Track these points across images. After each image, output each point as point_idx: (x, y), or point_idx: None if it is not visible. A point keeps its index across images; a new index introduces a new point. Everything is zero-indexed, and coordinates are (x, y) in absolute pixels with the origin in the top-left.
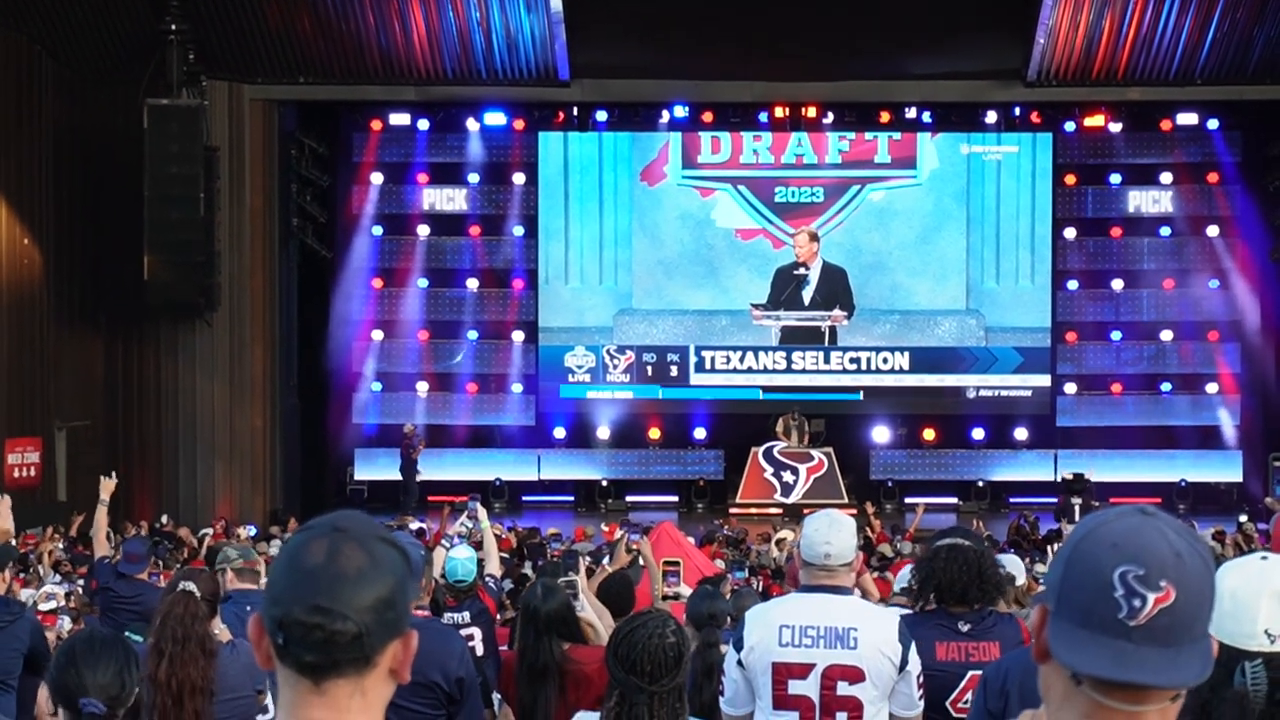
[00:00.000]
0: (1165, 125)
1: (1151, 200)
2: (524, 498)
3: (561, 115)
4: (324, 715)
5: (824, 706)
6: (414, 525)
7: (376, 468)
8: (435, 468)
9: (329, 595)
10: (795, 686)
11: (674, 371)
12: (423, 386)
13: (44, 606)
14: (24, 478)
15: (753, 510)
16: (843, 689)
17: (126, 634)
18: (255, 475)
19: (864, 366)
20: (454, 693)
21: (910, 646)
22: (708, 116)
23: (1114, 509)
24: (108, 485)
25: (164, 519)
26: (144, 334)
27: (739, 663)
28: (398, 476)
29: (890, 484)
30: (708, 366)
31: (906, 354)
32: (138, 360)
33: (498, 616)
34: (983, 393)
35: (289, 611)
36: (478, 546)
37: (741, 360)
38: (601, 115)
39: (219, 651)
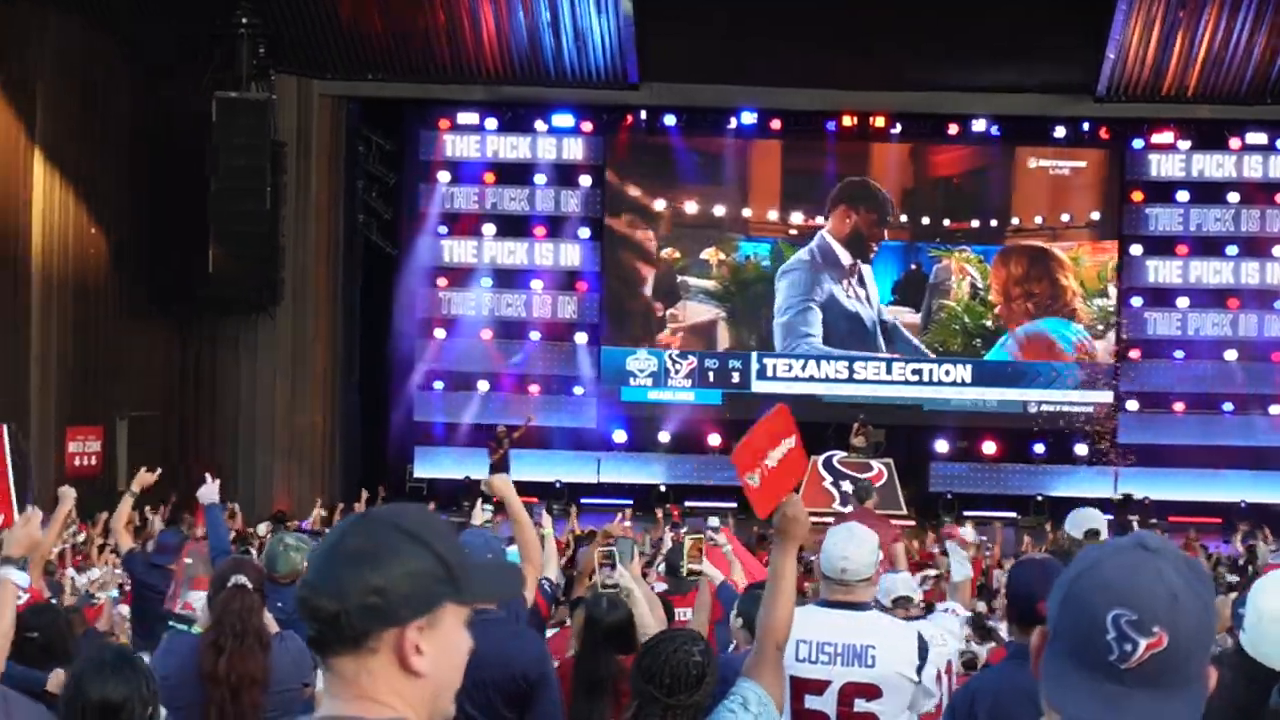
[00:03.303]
0: (1234, 144)
1: (1216, 219)
2: (582, 500)
3: (630, 118)
4: (335, 690)
5: None
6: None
7: (436, 466)
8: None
9: (319, 573)
10: (812, 702)
11: (735, 378)
12: (483, 386)
13: (100, 595)
14: (85, 466)
15: (810, 518)
16: (860, 705)
17: (170, 625)
18: (314, 471)
19: (925, 378)
20: (525, 693)
21: (928, 658)
22: (776, 124)
23: (1114, 542)
24: (143, 478)
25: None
26: (207, 326)
27: None
28: (457, 475)
29: (949, 496)
30: (769, 374)
31: (968, 366)
32: (200, 352)
33: (549, 619)
34: (1044, 408)
35: (300, 586)
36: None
37: (803, 368)
38: (670, 119)
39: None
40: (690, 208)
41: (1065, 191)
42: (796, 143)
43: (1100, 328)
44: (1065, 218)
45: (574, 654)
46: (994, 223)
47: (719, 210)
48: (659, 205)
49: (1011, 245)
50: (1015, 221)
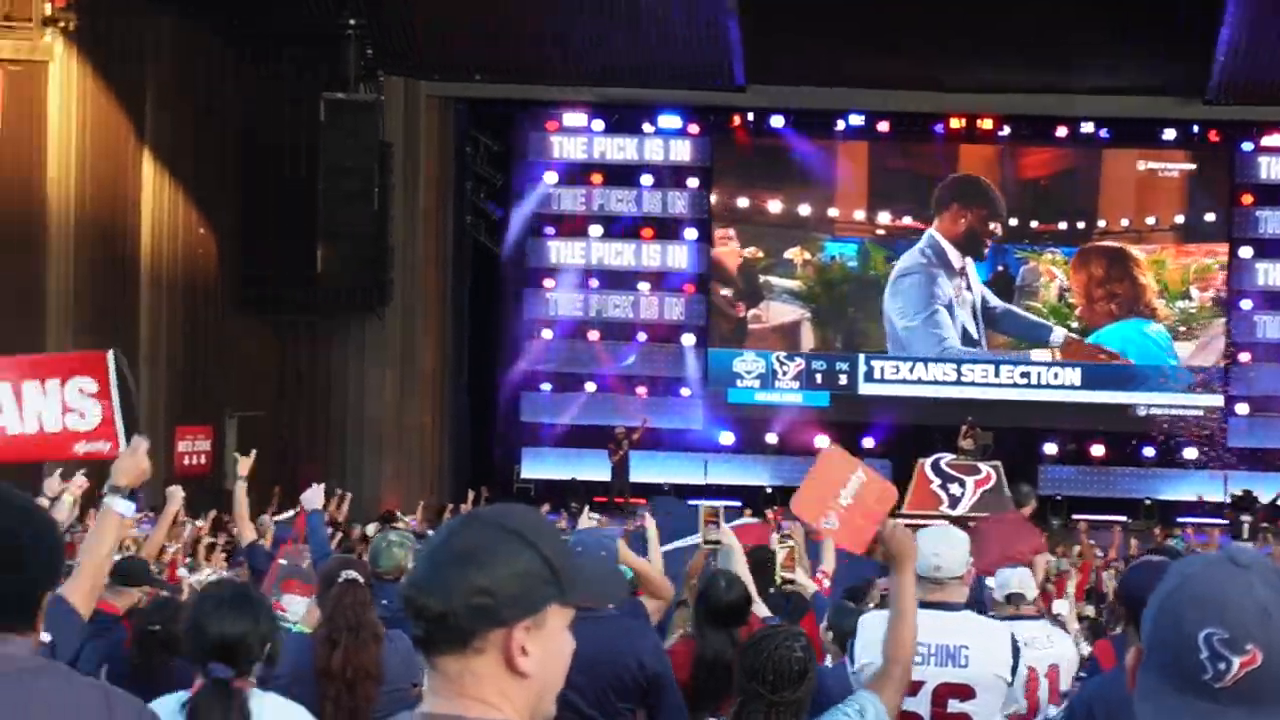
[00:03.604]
0: None
1: None
2: (690, 502)
3: (737, 120)
4: (442, 690)
5: None
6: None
7: (544, 466)
8: (602, 469)
9: (426, 573)
10: (906, 703)
11: (843, 380)
12: (590, 387)
13: None
14: (194, 465)
15: (919, 521)
16: (953, 706)
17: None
18: (422, 471)
19: (1034, 381)
20: (642, 688)
21: (1020, 658)
22: (883, 126)
23: (1204, 557)
24: (245, 462)
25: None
26: (316, 326)
27: (854, 673)
28: (565, 476)
29: (1058, 499)
30: (876, 376)
31: (1078, 370)
32: (309, 352)
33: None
34: (1154, 411)
35: (405, 585)
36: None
37: (910, 370)
38: (777, 121)
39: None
40: (774, 206)
41: (1153, 194)
42: (883, 143)
43: (1182, 329)
44: (1151, 220)
45: (690, 634)
46: (1081, 225)
47: (804, 209)
48: (756, 204)
49: (1090, 247)
50: (1102, 224)
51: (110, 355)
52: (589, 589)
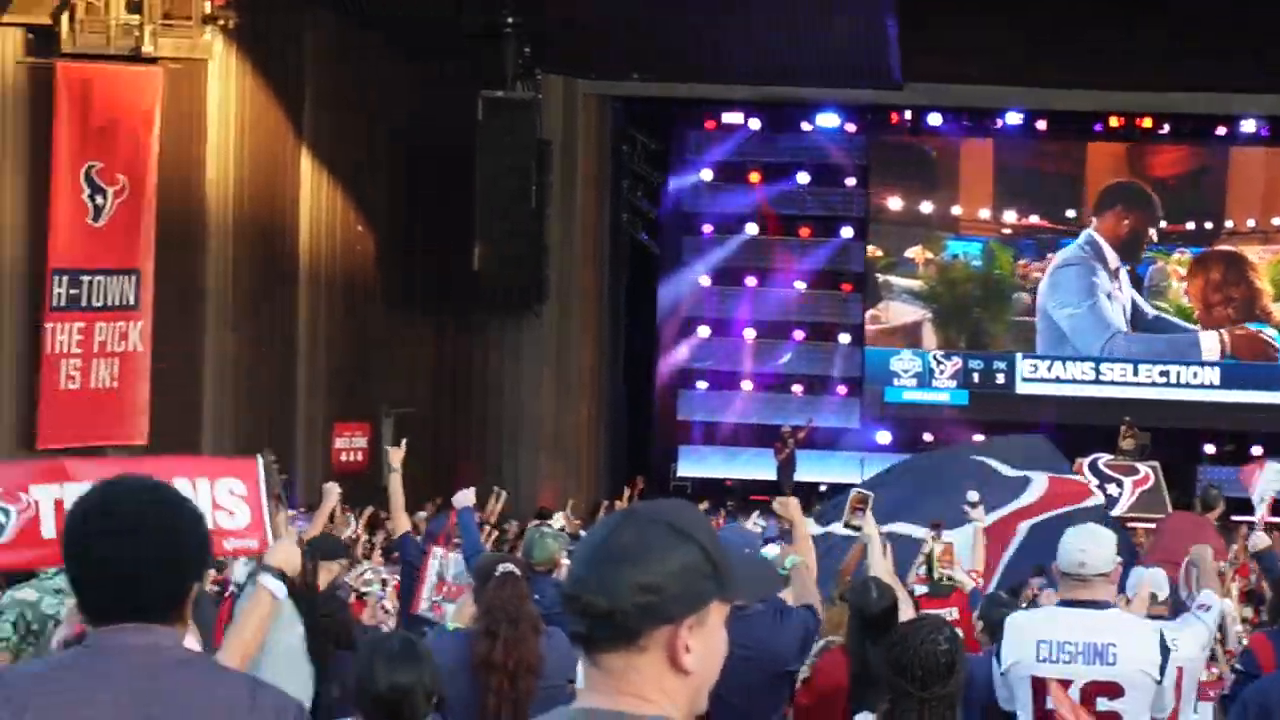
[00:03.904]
0: None
1: None
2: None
3: (895, 118)
4: (602, 687)
5: None
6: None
7: (700, 464)
8: (759, 468)
9: (590, 570)
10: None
11: (1000, 379)
12: (747, 385)
13: (367, 590)
14: (350, 462)
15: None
16: (1102, 704)
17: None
18: (579, 468)
19: (1173, 380)
20: (787, 686)
21: (1169, 657)
22: (1041, 124)
23: None
24: (396, 453)
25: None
26: (473, 324)
27: (1002, 674)
28: (721, 474)
29: None
30: (1032, 375)
31: (1216, 370)
32: (466, 349)
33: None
34: None
35: (564, 584)
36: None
37: (1065, 369)
38: (934, 119)
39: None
40: (893, 204)
41: None
42: (1009, 141)
43: None
44: (1277, 221)
45: (842, 644)
46: (1208, 225)
47: (925, 208)
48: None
49: (1207, 252)
50: (1229, 224)
51: (259, 460)
52: (746, 585)
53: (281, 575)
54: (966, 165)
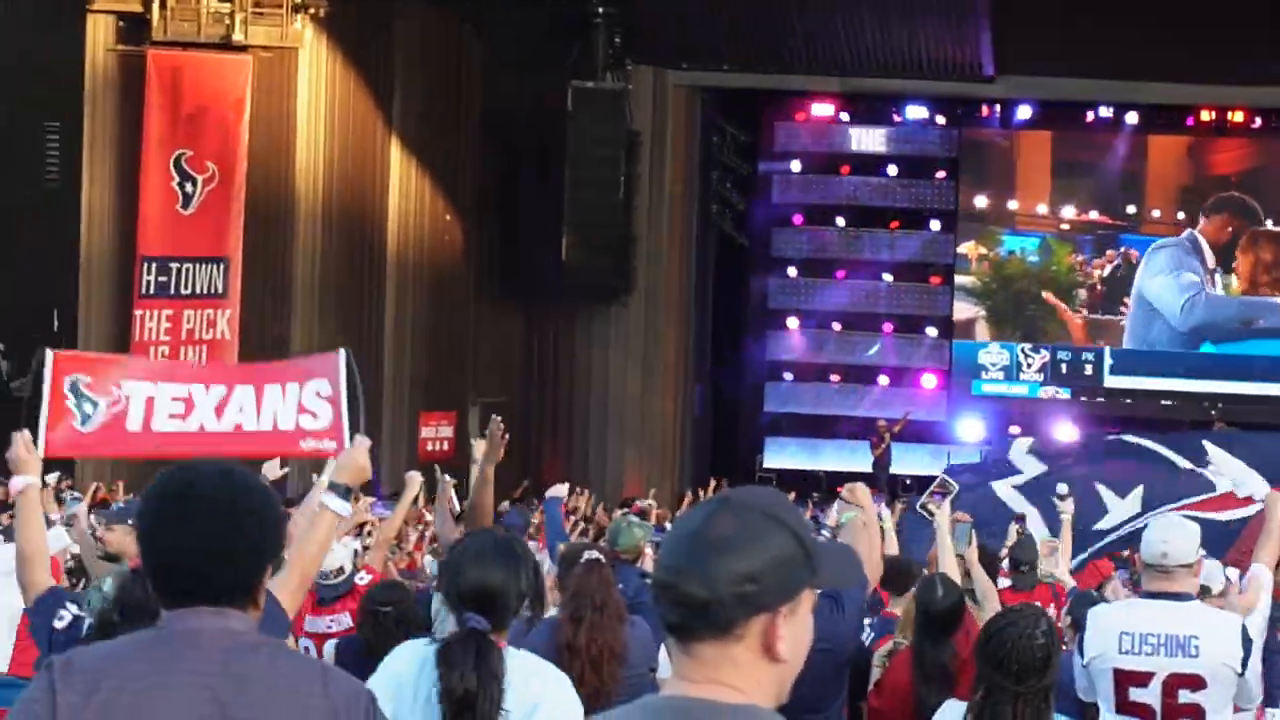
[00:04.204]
0: None
1: None
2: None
3: (986, 111)
4: (694, 675)
5: (1165, 713)
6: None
7: (786, 456)
8: (845, 459)
9: (686, 559)
10: (1136, 694)
11: (1088, 371)
12: (834, 377)
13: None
14: (437, 451)
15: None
16: (1184, 696)
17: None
18: (665, 459)
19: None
20: (842, 673)
21: (1252, 650)
22: (1132, 118)
23: None
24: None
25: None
26: (560, 314)
27: (1084, 666)
28: (807, 466)
29: None
30: (1121, 369)
31: None
32: (553, 339)
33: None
34: None
35: (657, 572)
36: None
37: (1155, 364)
38: (1024, 112)
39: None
40: (979, 200)
41: None
42: (1065, 133)
43: None
44: None
45: (909, 643)
46: (1270, 223)
47: (980, 202)
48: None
49: (1259, 230)
50: None
51: (341, 354)
52: (835, 573)
53: (348, 492)
54: (1024, 159)
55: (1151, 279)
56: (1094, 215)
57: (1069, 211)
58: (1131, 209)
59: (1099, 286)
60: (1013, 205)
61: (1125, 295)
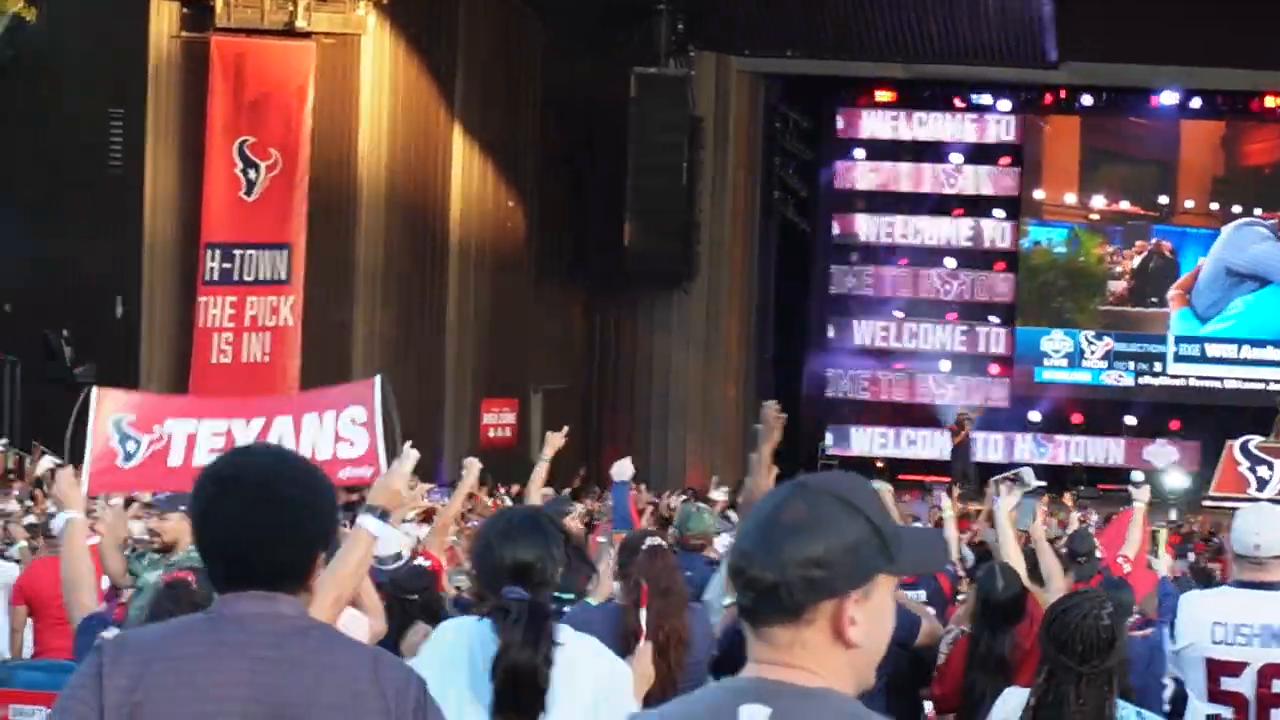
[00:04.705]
0: None
1: None
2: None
3: (1049, 98)
4: (766, 657)
5: (1260, 703)
6: None
7: (849, 443)
8: (908, 446)
9: (757, 543)
10: (1228, 683)
11: (1152, 359)
12: (897, 364)
13: None
14: (499, 438)
15: (1226, 505)
16: (1279, 686)
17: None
18: (726, 445)
19: None
20: (896, 662)
21: None
22: (1195, 103)
23: None
24: (553, 441)
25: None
26: (622, 300)
27: (1175, 653)
28: (870, 452)
29: None
30: (1185, 356)
31: None
32: (615, 325)
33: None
34: None
35: (731, 556)
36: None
37: (1219, 351)
38: (1087, 99)
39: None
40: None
41: None
42: (1098, 120)
43: None
44: None
45: (969, 632)
46: None
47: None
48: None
49: None
50: None
51: (376, 381)
52: (914, 558)
53: (384, 514)
54: (1050, 147)
55: (1242, 251)
56: (1125, 205)
57: (1099, 201)
58: (1164, 199)
59: (1129, 279)
60: (1039, 194)
61: (1160, 287)
